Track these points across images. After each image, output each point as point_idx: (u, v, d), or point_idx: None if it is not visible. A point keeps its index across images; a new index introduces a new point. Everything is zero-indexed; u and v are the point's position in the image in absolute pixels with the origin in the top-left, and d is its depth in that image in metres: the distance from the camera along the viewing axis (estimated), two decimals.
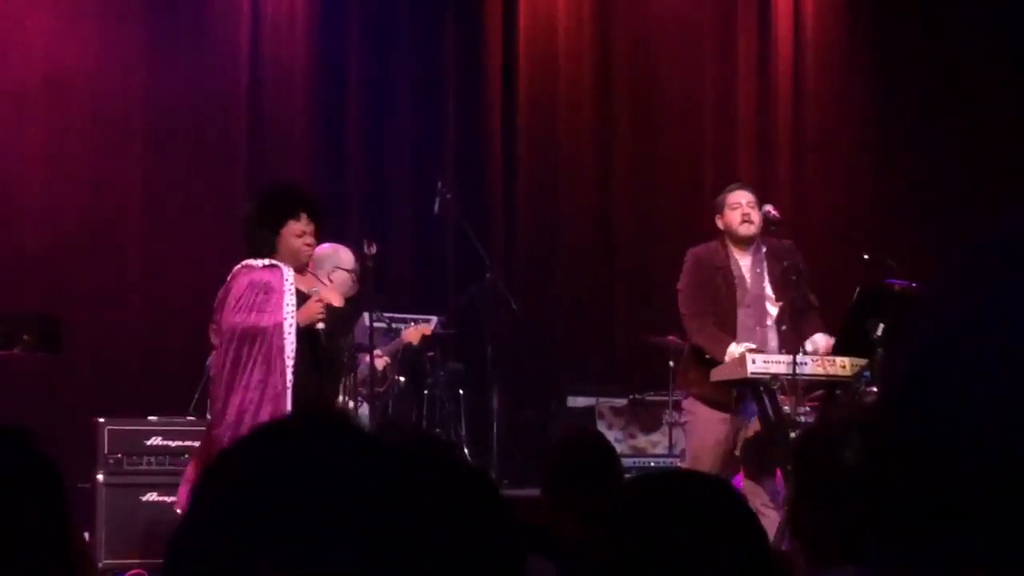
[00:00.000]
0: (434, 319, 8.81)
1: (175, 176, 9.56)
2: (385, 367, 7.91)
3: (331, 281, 7.21)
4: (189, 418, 8.06)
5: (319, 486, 0.89)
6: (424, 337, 8.06)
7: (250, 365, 5.91)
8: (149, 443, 7.50)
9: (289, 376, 5.89)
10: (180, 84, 9.55)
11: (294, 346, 5.91)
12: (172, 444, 7.53)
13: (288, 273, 6.01)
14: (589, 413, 9.45)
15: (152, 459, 7.47)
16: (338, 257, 7.49)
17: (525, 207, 10.45)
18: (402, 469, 0.91)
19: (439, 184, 9.15)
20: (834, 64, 11.00)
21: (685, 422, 7.10)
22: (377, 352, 7.77)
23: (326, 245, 7.23)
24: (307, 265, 6.21)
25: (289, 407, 5.86)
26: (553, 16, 10.61)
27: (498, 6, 10.48)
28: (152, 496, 7.38)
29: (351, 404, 6.71)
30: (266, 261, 6.02)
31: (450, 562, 0.90)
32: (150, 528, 7.17)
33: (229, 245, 9.39)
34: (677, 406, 9.11)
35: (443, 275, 10.05)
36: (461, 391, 9.13)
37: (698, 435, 6.81)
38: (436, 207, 9.14)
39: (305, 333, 5.96)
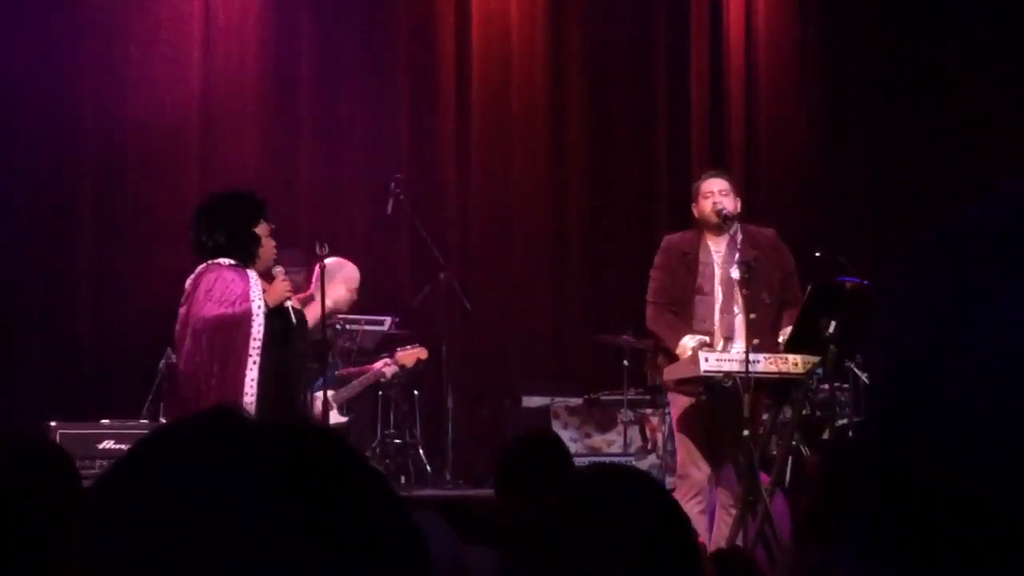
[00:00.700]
0: (387, 320, 8.81)
1: (126, 179, 9.50)
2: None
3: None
4: (142, 421, 8.02)
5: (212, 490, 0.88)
6: (419, 360, 8.06)
7: (223, 356, 5.92)
8: (101, 447, 7.45)
9: (254, 362, 5.90)
10: (131, 86, 9.50)
11: (261, 330, 5.92)
12: (124, 447, 7.45)
13: (253, 274, 6.04)
14: (544, 413, 9.45)
15: (104, 463, 7.40)
16: (341, 273, 7.57)
17: (479, 207, 10.45)
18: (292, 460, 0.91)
19: (392, 185, 9.15)
20: (785, 62, 11.07)
21: (672, 416, 6.98)
22: (386, 360, 7.84)
23: (330, 260, 7.37)
24: (270, 270, 6.22)
25: (254, 394, 5.87)
26: (506, 16, 10.61)
27: (451, 5, 10.47)
28: None
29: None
30: (232, 261, 6.04)
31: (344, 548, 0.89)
32: None
33: (180, 248, 9.37)
34: (632, 405, 9.15)
35: (397, 276, 10.03)
36: (416, 391, 9.12)
37: (682, 427, 6.77)
38: (389, 208, 9.14)
39: (274, 328, 5.97)
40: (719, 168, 7.36)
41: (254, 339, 5.93)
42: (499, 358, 10.14)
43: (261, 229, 6.15)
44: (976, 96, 10.52)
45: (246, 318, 5.93)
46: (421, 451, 9.03)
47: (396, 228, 9.70)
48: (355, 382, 7.82)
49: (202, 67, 9.76)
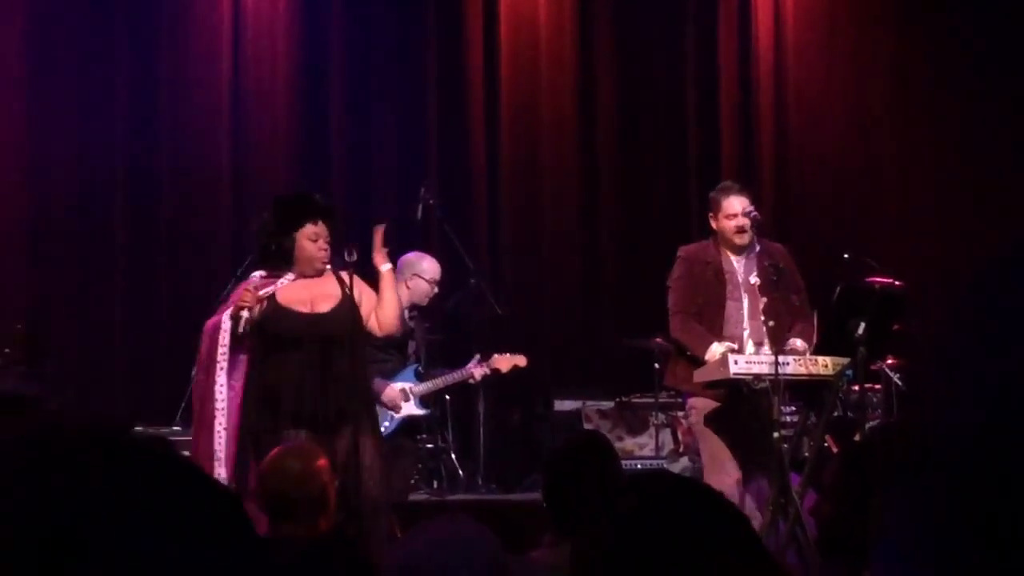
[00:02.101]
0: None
1: (158, 185, 9.57)
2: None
3: (408, 288, 7.45)
4: (175, 428, 8.07)
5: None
6: (516, 367, 8.04)
7: (205, 362, 6.02)
8: None
9: (221, 368, 5.92)
10: (162, 97, 9.59)
11: (227, 336, 5.92)
12: None
13: (284, 280, 6.01)
14: (575, 416, 9.45)
15: None
16: (420, 266, 7.64)
17: (509, 211, 10.47)
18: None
19: (422, 190, 9.17)
20: (815, 62, 11.02)
21: (692, 421, 6.91)
22: (479, 362, 7.86)
23: (411, 253, 7.43)
24: (323, 271, 6.14)
25: (224, 399, 5.90)
26: (535, 18, 10.62)
27: (479, 9, 10.50)
28: None
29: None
30: (263, 273, 6.06)
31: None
32: None
33: (213, 253, 9.45)
34: (664, 408, 9.13)
35: None
36: (447, 396, 9.13)
37: (707, 431, 6.70)
38: (419, 213, 9.16)
39: (332, 339, 5.97)
40: (737, 183, 7.21)
41: (221, 345, 5.91)
42: (530, 362, 10.11)
43: (304, 232, 6.08)
44: (1013, 95, 10.47)
45: (218, 326, 5.97)
46: (453, 456, 9.04)
47: (426, 233, 9.72)
48: (440, 379, 7.85)
49: (232, 74, 9.82)
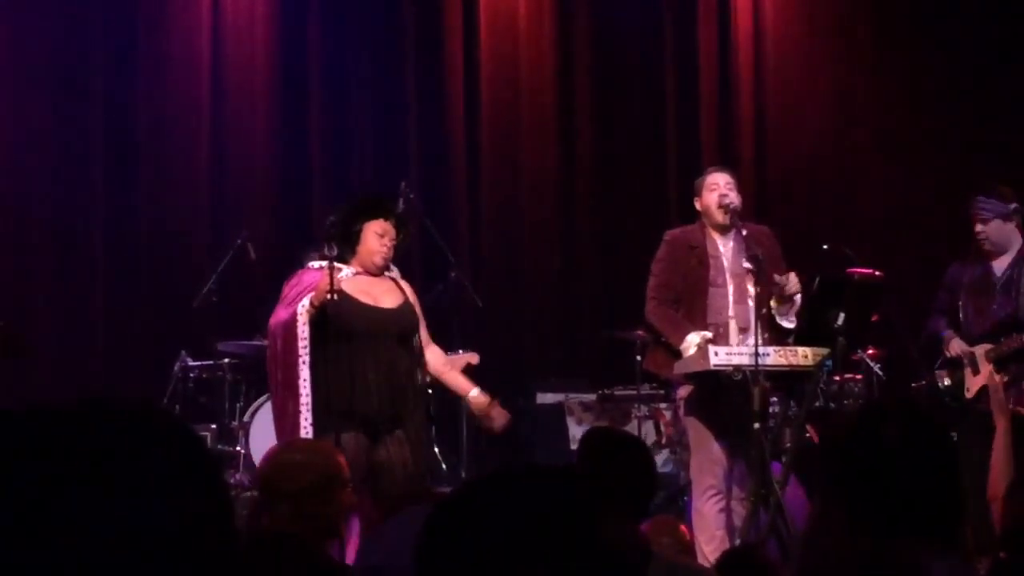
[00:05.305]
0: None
1: (138, 183, 9.56)
2: None
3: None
4: None
5: None
6: (468, 365, 7.97)
7: (282, 358, 5.93)
8: None
9: (304, 362, 5.84)
10: (142, 93, 9.56)
11: (307, 330, 5.84)
12: None
13: (347, 272, 5.96)
14: (558, 409, 9.45)
15: None
16: None
17: (489, 205, 10.46)
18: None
19: (402, 184, 9.17)
20: (794, 53, 11.02)
21: (679, 408, 6.85)
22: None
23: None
24: (382, 269, 6.07)
25: (308, 394, 5.84)
26: (514, 8, 10.61)
27: (458, 1, 10.47)
28: None
29: None
30: (320, 264, 6.00)
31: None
32: None
33: (191, 252, 9.44)
34: (646, 400, 9.14)
35: (408, 275, 9.99)
36: (429, 390, 9.11)
37: (691, 417, 6.64)
38: (400, 208, 9.15)
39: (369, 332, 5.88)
40: (721, 165, 7.26)
41: (301, 339, 5.84)
42: (512, 356, 10.14)
43: (371, 227, 6.03)
44: (991, 90, 10.50)
45: (291, 320, 5.89)
46: (436, 449, 9.04)
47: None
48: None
49: (211, 69, 9.80)
